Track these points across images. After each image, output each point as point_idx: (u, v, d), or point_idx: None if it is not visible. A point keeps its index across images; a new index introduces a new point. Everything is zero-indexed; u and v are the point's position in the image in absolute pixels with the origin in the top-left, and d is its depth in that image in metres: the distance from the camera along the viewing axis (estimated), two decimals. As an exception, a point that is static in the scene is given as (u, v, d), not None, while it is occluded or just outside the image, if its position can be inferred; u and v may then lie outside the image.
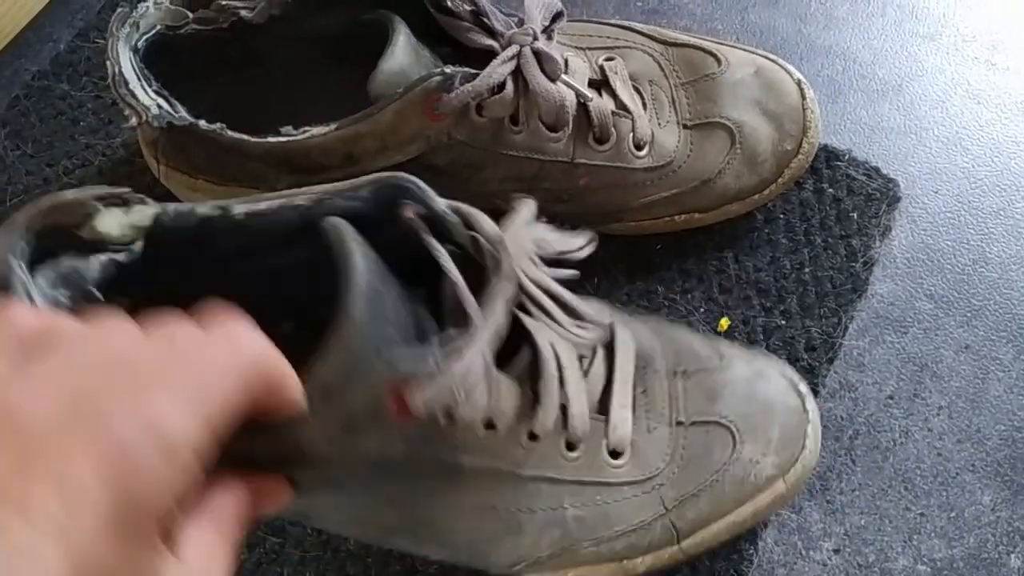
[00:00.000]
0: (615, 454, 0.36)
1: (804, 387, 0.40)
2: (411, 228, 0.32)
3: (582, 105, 0.42)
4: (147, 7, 0.41)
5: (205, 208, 0.32)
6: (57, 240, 0.29)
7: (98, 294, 0.30)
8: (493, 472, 0.34)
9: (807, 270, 0.47)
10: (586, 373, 0.36)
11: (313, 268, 0.31)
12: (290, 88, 0.45)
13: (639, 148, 0.44)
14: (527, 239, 0.34)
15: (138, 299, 0.31)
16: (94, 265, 0.30)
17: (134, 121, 0.40)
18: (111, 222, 0.30)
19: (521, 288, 0.32)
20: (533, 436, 0.34)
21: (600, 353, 0.37)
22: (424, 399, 0.29)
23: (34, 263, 0.28)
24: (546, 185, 0.43)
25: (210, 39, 0.43)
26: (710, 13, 0.55)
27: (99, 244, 0.30)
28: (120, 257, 0.30)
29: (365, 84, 0.40)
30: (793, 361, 0.45)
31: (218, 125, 0.40)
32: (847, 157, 0.50)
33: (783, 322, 0.46)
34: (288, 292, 0.33)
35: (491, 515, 0.35)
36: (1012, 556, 0.41)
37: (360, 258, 0.29)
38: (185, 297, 0.30)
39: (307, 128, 0.40)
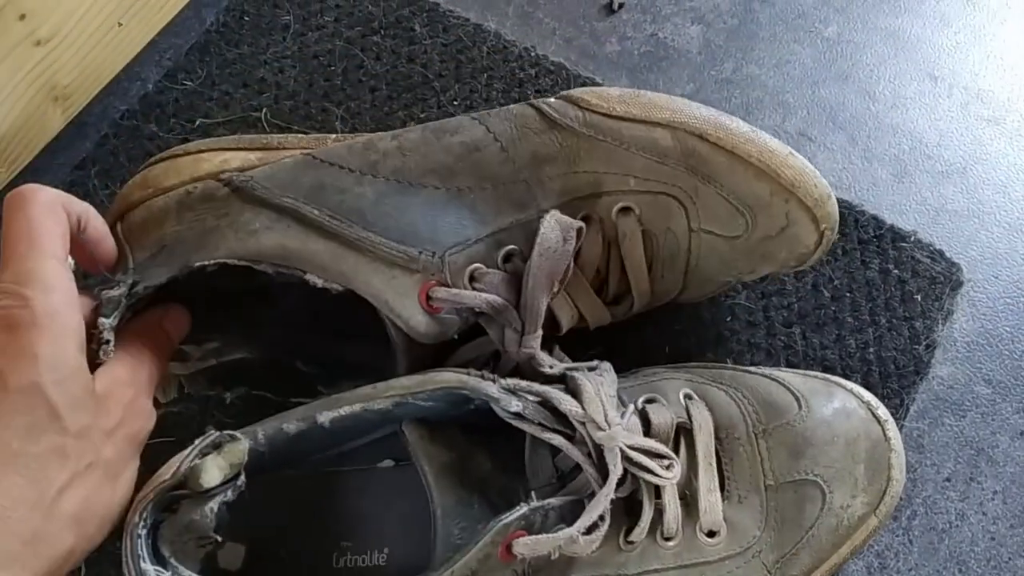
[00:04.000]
0: (711, 534, 0.38)
1: (883, 412, 0.41)
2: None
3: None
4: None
5: (292, 425, 0.37)
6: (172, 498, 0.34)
7: (217, 538, 0.35)
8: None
9: (871, 350, 0.49)
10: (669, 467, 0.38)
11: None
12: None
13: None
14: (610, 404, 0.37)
15: (250, 521, 0.38)
16: (208, 514, 0.34)
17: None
18: (212, 472, 0.34)
19: (624, 454, 0.36)
20: (630, 541, 0.37)
21: (682, 442, 0.39)
22: (528, 547, 0.34)
23: (157, 524, 0.34)
24: None
25: None
26: (781, 86, 0.57)
27: (208, 493, 0.34)
28: (228, 495, 0.35)
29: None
30: (856, 441, 0.46)
31: None
32: (912, 239, 0.51)
33: (847, 401, 0.48)
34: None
35: None
36: (1061, 644, 0.43)
37: (432, 469, 0.37)
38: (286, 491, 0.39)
39: None
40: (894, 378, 0.48)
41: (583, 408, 0.36)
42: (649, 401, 0.40)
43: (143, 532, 0.33)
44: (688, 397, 0.41)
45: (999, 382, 0.49)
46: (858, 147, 0.55)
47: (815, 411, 0.41)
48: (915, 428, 0.48)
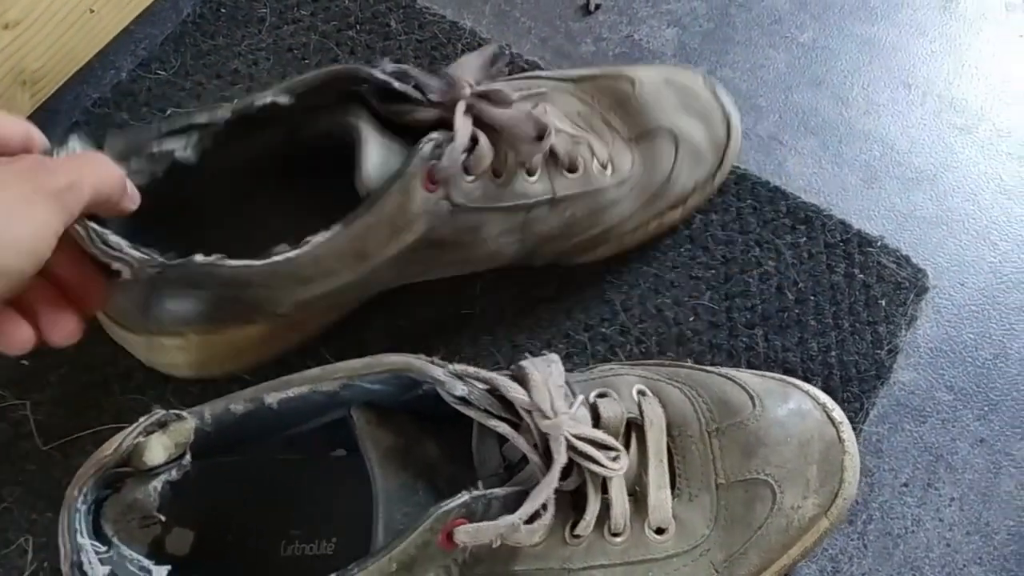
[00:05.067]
0: (659, 531, 0.38)
1: (839, 414, 0.42)
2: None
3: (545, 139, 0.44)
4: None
5: (239, 405, 0.36)
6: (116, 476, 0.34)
7: (161, 517, 0.35)
8: (545, 572, 0.36)
9: (833, 353, 0.49)
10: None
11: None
12: (237, 219, 0.45)
13: (604, 167, 0.47)
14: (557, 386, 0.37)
15: (198, 507, 0.39)
16: (151, 493, 0.34)
17: (126, 274, 0.38)
18: (157, 450, 0.34)
19: (569, 444, 0.35)
20: (576, 535, 0.37)
21: (632, 438, 0.39)
22: (469, 535, 0.33)
23: (100, 502, 0.34)
24: (537, 228, 0.46)
25: (147, 194, 0.40)
26: (755, 90, 0.57)
27: (152, 471, 0.34)
28: (173, 475, 0.35)
29: (312, 195, 0.42)
30: (814, 443, 0.46)
31: (215, 257, 0.39)
32: (879, 244, 0.51)
33: (807, 404, 0.47)
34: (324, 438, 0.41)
35: None
36: (1013, 652, 0.43)
37: (377, 454, 0.37)
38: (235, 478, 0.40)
39: (308, 239, 0.39)
40: (855, 382, 0.48)
41: (529, 396, 0.36)
42: (601, 396, 0.40)
43: (82, 507, 0.33)
44: (641, 393, 0.41)
45: (961, 389, 0.49)
46: (829, 152, 0.55)
47: (769, 411, 0.41)
48: (874, 432, 0.47)
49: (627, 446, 0.39)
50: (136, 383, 0.47)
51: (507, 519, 0.34)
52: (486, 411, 0.36)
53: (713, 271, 0.51)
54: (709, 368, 0.43)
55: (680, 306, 0.50)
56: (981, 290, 0.51)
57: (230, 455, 0.40)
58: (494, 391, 0.36)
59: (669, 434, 0.40)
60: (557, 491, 0.35)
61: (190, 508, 0.40)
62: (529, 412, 0.35)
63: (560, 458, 0.35)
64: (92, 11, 0.53)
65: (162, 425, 0.35)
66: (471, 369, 0.37)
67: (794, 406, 0.41)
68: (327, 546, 0.41)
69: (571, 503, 0.37)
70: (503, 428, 0.36)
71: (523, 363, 0.37)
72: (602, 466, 0.36)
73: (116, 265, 0.37)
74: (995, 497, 0.46)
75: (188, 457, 0.35)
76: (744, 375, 0.43)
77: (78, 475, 0.34)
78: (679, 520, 0.38)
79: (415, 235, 0.41)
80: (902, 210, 0.54)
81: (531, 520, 0.34)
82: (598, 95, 0.49)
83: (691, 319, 0.50)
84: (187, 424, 0.35)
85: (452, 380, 0.36)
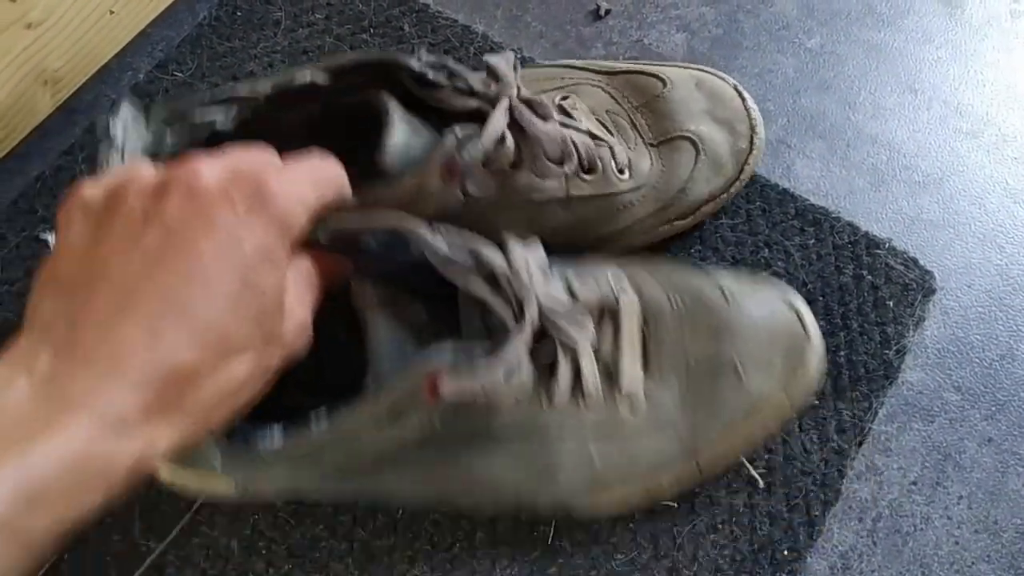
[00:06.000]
0: (631, 407, 0.41)
1: (803, 305, 0.44)
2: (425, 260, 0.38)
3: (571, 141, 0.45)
4: (126, 127, 0.41)
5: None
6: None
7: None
8: (522, 434, 0.39)
9: (842, 353, 0.49)
10: (597, 342, 0.41)
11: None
12: None
13: (622, 172, 0.47)
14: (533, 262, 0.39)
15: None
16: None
17: None
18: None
19: (541, 308, 0.38)
20: (552, 402, 0.39)
21: (607, 319, 0.41)
22: (452, 387, 0.36)
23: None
24: (547, 222, 0.46)
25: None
26: (763, 94, 0.58)
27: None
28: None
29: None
30: (823, 442, 0.47)
31: None
32: (887, 246, 0.52)
33: (816, 403, 0.48)
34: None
35: (528, 468, 0.40)
36: (1021, 648, 0.43)
37: (371, 311, 0.39)
38: None
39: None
40: (864, 381, 0.48)
41: (509, 265, 0.37)
42: (578, 278, 0.42)
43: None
44: (617, 280, 0.43)
45: (968, 389, 0.49)
46: (837, 155, 0.56)
47: (740, 303, 0.43)
48: (883, 431, 0.48)
49: (602, 328, 0.41)
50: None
51: (485, 369, 0.36)
52: (467, 270, 0.37)
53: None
54: (685, 265, 0.46)
55: (690, 305, 0.50)
56: (988, 292, 0.52)
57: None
58: (477, 256, 0.38)
59: (643, 320, 0.42)
60: (533, 361, 0.38)
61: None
62: (507, 278, 0.37)
63: (531, 314, 0.37)
64: (112, 12, 0.54)
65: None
66: (455, 228, 0.38)
67: (763, 299, 0.44)
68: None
69: (548, 375, 0.39)
70: (481, 290, 0.37)
71: (507, 238, 0.39)
72: (571, 334, 0.38)
73: None
74: (1003, 495, 0.47)
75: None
76: (719, 270, 0.45)
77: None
78: (650, 398, 0.41)
79: (424, 216, 0.42)
80: (909, 213, 0.54)
81: (508, 378, 0.36)
82: (628, 92, 0.50)
83: (701, 318, 0.50)
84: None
85: (436, 237, 0.37)
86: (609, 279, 0.42)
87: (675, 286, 0.43)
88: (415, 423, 0.37)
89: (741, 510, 0.45)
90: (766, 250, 0.52)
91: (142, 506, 0.45)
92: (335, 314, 0.39)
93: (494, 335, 0.38)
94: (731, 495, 0.46)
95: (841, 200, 0.54)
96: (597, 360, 0.40)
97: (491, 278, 0.38)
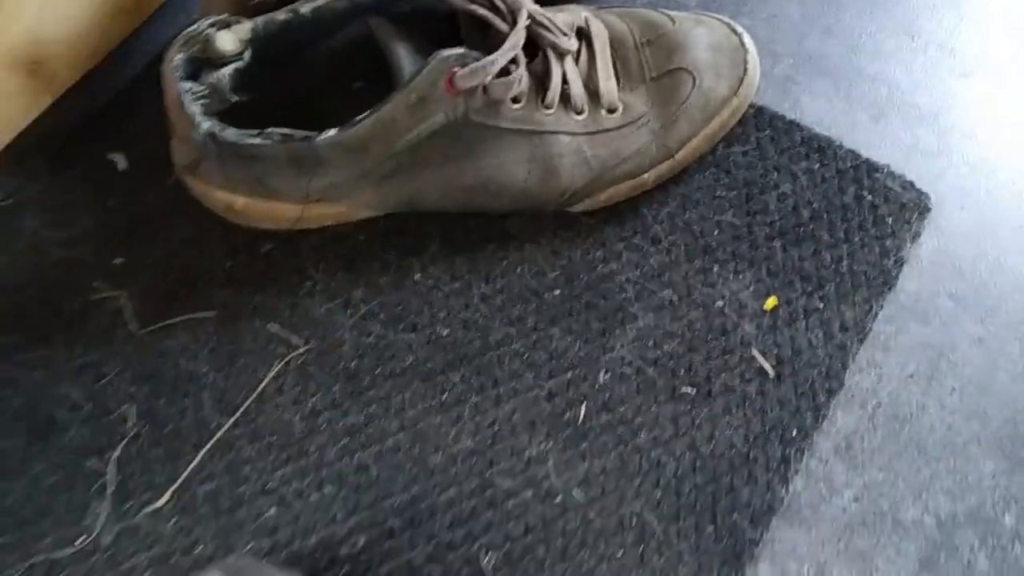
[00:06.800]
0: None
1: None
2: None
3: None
4: (205, 36, 0.47)
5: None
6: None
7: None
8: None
9: (845, 263, 0.54)
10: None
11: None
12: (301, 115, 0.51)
13: (611, 112, 0.52)
14: None
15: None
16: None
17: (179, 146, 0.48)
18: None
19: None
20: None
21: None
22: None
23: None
24: (554, 161, 0.52)
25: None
26: (771, 36, 0.63)
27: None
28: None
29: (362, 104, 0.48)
30: (828, 338, 0.51)
31: (268, 131, 0.46)
32: (886, 171, 0.57)
33: (821, 305, 0.52)
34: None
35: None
36: (1007, 516, 0.47)
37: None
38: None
39: (354, 120, 0.46)
40: (864, 287, 0.53)
41: None
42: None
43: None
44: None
45: (960, 297, 0.54)
46: (840, 92, 0.61)
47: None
48: (882, 331, 0.53)
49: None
50: (220, 281, 0.52)
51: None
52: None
53: (735, 192, 0.56)
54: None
55: (705, 221, 0.55)
56: (979, 212, 0.57)
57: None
58: None
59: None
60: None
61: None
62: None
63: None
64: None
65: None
66: None
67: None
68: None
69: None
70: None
71: None
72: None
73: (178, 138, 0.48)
74: (992, 388, 0.51)
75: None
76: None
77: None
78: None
79: (432, 127, 0.47)
80: (907, 143, 0.59)
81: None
82: (637, 25, 0.54)
83: (716, 232, 0.55)
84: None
85: None
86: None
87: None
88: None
89: (753, 396, 0.50)
90: (775, 173, 0.57)
91: (211, 386, 0.49)
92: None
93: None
94: (744, 384, 0.50)
95: (844, 132, 0.59)
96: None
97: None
